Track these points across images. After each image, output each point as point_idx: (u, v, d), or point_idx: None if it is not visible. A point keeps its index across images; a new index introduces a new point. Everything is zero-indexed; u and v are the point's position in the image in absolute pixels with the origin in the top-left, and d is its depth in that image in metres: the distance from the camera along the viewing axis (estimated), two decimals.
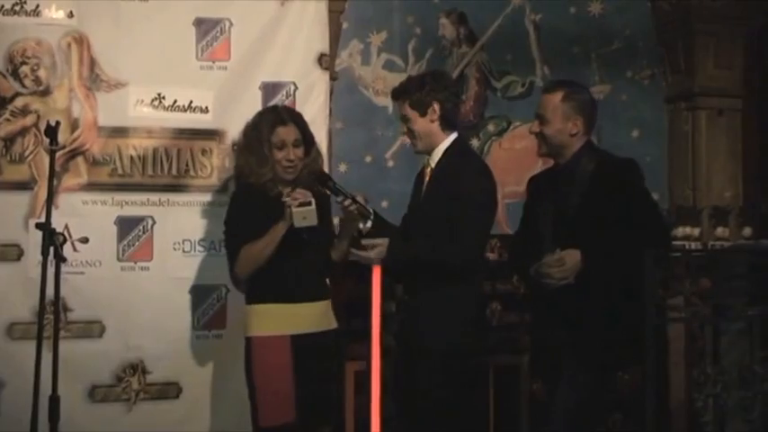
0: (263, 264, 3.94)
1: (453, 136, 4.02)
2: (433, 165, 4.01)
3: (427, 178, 4.03)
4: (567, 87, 4.01)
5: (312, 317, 4.02)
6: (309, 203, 3.86)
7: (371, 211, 4.07)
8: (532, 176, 4.26)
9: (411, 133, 4.04)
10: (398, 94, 4.07)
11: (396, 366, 4.12)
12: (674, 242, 5.75)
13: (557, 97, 3.96)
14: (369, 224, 4.05)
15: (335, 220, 4.29)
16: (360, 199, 4.03)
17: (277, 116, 4.09)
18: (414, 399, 3.94)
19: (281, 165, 4.00)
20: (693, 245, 5.93)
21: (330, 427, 4.17)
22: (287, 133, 4.02)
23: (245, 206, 4.04)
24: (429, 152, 4.04)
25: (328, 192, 4.06)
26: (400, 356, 4.05)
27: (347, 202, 3.99)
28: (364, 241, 3.99)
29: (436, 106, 3.96)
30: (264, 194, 4.00)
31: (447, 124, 4.00)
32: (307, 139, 4.08)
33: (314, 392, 3.96)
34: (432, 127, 3.98)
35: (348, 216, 4.04)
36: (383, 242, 3.91)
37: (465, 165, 3.96)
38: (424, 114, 3.97)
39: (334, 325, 4.12)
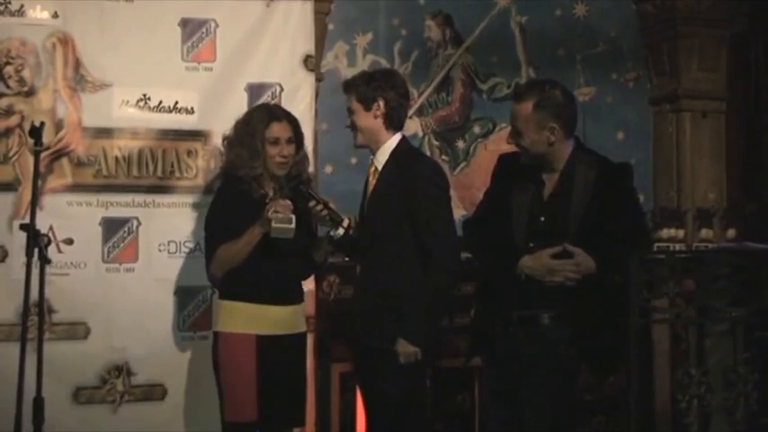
0: (237, 264, 3.93)
1: (398, 137, 3.99)
2: (379, 166, 3.98)
3: (373, 179, 4.00)
4: (537, 94, 3.70)
5: (281, 319, 3.98)
6: (290, 220, 3.82)
7: (343, 218, 3.99)
8: (505, 155, 3.98)
9: (353, 126, 4.00)
10: (347, 86, 4.05)
11: (356, 366, 4.14)
12: (659, 244, 5.78)
13: (527, 107, 3.69)
14: (341, 231, 3.98)
15: None
16: (333, 206, 3.99)
17: (271, 112, 4.09)
18: (369, 397, 3.96)
19: (274, 161, 3.98)
20: (678, 246, 5.96)
21: (298, 429, 4.12)
22: (281, 129, 4.00)
23: (228, 206, 4.01)
24: (370, 148, 4.01)
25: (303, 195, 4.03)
26: (358, 356, 4.05)
27: (319, 207, 3.95)
28: None
29: (381, 103, 3.93)
30: (248, 195, 3.97)
31: (391, 123, 3.97)
32: (297, 138, 4.07)
33: (280, 394, 3.92)
34: (375, 123, 3.95)
35: (319, 220, 4.01)
36: None
37: (417, 165, 3.94)
38: (368, 109, 3.94)
39: (303, 328, 4.09)
